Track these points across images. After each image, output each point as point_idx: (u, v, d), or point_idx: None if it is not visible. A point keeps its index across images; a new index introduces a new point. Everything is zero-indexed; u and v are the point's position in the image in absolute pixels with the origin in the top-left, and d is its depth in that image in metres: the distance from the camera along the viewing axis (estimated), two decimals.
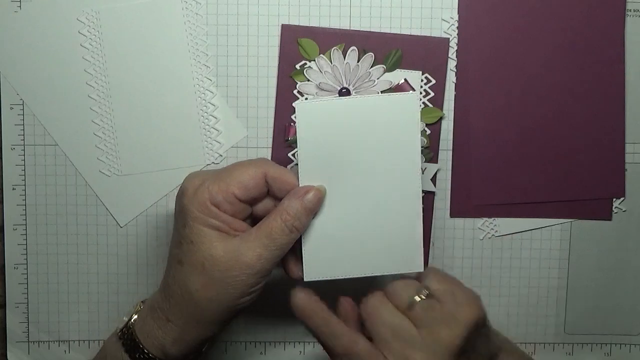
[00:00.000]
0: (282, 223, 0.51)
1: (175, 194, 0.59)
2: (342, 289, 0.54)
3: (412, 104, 0.52)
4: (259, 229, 0.51)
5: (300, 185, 0.52)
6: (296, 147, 0.57)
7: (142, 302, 0.56)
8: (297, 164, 0.60)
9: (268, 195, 0.53)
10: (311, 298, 0.51)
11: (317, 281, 0.53)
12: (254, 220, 0.54)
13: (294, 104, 0.52)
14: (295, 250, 0.53)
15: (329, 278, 0.53)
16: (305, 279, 0.53)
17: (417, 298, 0.51)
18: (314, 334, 0.51)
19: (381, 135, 0.52)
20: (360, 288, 0.53)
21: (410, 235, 0.53)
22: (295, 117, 0.52)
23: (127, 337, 0.54)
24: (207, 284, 0.50)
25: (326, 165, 0.52)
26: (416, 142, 0.52)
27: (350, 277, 0.53)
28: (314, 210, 0.52)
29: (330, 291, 0.53)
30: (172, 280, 0.52)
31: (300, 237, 0.53)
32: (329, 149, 0.52)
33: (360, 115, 0.52)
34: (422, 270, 0.53)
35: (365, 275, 0.54)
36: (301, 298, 0.51)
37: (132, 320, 0.55)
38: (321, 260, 0.53)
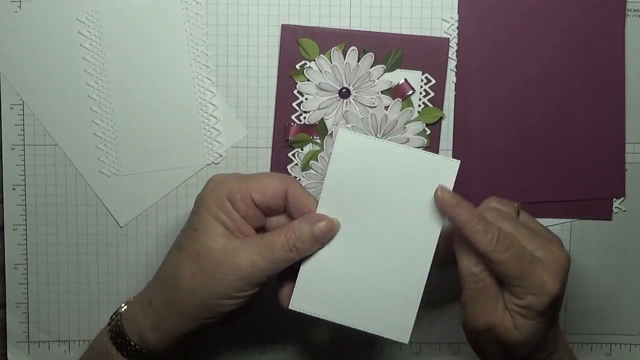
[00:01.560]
0: (285, 239, 0.51)
1: (176, 194, 0.62)
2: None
3: (450, 171, 0.51)
4: (262, 237, 0.51)
5: (317, 211, 0.52)
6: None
7: (134, 296, 0.57)
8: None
9: (285, 212, 0.53)
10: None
11: (300, 314, 0.52)
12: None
13: (337, 131, 0.51)
14: (294, 281, 0.53)
15: (313, 314, 0.52)
16: (290, 307, 0.52)
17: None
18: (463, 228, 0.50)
19: (411, 191, 0.51)
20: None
21: (407, 305, 0.52)
22: (334, 144, 0.51)
23: (114, 324, 0.55)
24: (195, 274, 0.51)
25: (348, 201, 0.51)
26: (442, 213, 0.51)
27: (334, 322, 0.52)
28: (320, 240, 0.51)
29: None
30: (166, 264, 0.54)
31: (300, 266, 0.52)
32: (355, 186, 0.51)
33: (396, 163, 0.51)
34: (406, 342, 0.52)
35: (348, 326, 0.52)
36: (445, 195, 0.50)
37: (121, 309, 0.56)
38: (312, 295, 0.52)
